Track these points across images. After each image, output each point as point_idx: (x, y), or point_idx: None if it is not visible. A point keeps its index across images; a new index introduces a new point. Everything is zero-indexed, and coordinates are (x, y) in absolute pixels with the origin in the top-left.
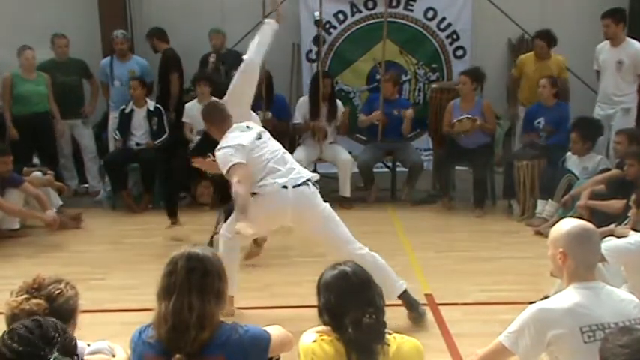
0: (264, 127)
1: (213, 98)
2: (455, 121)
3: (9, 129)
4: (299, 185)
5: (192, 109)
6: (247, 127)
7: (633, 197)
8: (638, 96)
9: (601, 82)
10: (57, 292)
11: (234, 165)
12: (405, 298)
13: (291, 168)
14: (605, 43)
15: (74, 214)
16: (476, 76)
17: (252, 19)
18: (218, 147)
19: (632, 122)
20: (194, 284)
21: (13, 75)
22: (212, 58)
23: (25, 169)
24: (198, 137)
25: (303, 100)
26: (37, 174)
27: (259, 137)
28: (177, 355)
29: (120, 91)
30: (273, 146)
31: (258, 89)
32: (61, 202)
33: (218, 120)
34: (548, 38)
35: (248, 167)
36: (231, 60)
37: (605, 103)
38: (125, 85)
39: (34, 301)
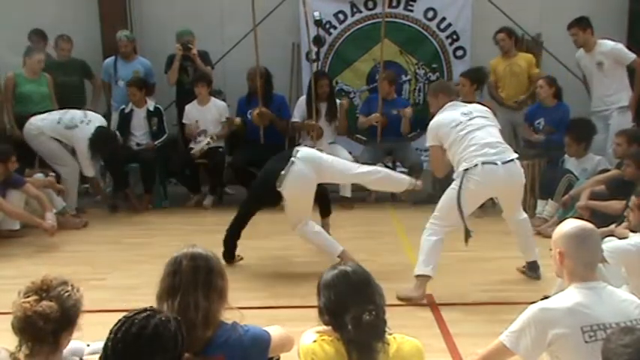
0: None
1: None
2: None
3: (12, 129)
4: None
5: (192, 111)
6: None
7: (633, 199)
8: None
9: (591, 88)
10: (66, 294)
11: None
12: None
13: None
14: (581, 51)
15: (79, 221)
16: (475, 77)
17: (251, 21)
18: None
19: (629, 121)
20: (200, 283)
21: (16, 75)
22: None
23: (27, 170)
24: (201, 137)
25: (302, 100)
26: (39, 175)
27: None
28: (186, 355)
29: (123, 91)
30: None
31: (254, 86)
32: (64, 204)
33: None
34: (508, 31)
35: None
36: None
37: (599, 106)
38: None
39: (46, 303)
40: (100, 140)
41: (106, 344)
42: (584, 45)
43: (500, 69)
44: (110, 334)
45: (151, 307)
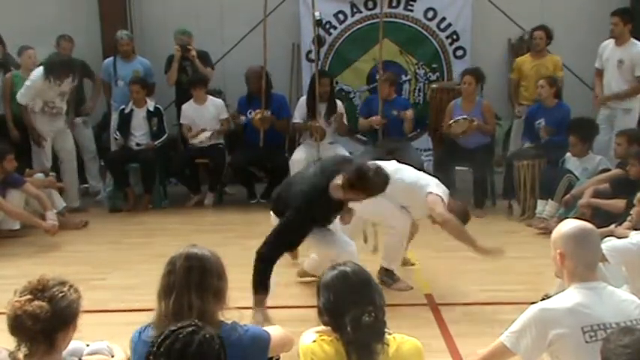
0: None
1: None
2: (451, 122)
3: (10, 130)
4: None
5: (189, 110)
6: None
7: (638, 195)
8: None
9: (605, 80)
10: (60, 294)
11: None
12: None
13: None
14: (610, 42)
15: (79, 221)
16: (480, 75)
17: (251, 21)
18: None
19: (634, 122)
20: (193, 283)
21: (14, 75)
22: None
23: (28, 169)
24: (201, 134)
25: (303, 100)
26: (39, 175)
27: None
28: None
29: (123, 91)
30: None
31: (254, 87)
32: (64, 204)
33: None
34: (546, 30)
35: None
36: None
37: (608, 102)
38: (128, 85)
39: (37, 303)
40: (55, 59)
41: (147, 358)
42: (619, 37)
43: (527, 67)
44: (152, 346)
45: (195, 321)
